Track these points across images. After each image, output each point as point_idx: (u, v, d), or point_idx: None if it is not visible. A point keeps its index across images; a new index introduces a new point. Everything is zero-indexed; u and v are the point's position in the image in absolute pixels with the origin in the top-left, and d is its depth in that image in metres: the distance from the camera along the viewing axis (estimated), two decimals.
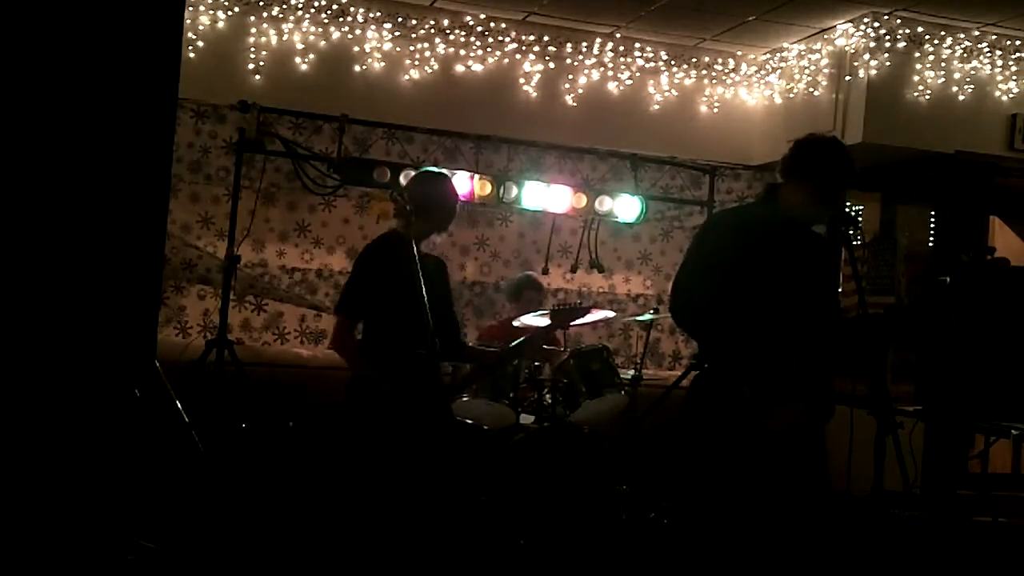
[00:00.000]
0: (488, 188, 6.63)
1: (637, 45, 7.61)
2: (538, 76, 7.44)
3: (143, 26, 2.25)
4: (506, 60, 7.37)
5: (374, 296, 4.01)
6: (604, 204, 6.91)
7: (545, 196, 6.80)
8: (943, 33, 6.99)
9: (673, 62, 7.71)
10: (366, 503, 4.07)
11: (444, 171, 4.83)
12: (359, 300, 4.06)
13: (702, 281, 3.62)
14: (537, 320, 5.53)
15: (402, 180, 6.25)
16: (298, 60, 6.97)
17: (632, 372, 6.09)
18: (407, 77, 7.18)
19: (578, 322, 5.79)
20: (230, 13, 6.86)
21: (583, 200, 6.87)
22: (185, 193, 6.82)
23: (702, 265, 3.66)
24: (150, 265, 2.31)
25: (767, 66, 7.76)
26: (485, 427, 5.61)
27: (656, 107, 7.72)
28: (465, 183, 6.57)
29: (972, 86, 7.06)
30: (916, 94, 6.96)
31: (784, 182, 3.70)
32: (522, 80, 7.41)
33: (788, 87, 7.57)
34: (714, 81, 7.85)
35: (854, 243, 3.64)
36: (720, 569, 3.64)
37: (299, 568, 4.46)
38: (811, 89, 7.32)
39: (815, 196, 3.60)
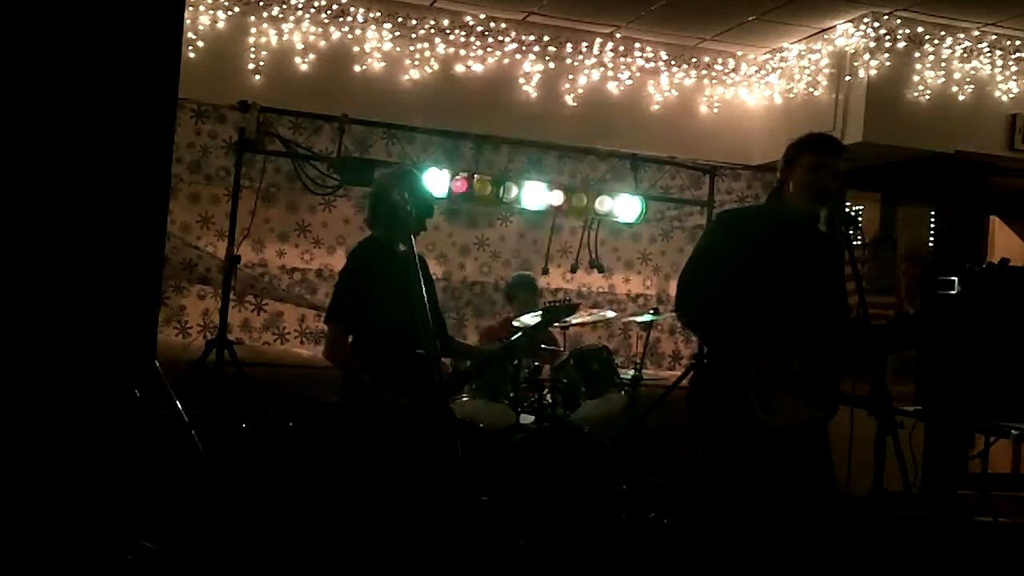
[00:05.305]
0: (488, 188, 6.62)
1: (637, 45, 7.60)
2: (538, 76, 7.44)
3: (143, 26, 2.24)
4: (506, 60, 7.37)
5: (368, 301, 3.97)
6: (604, 204, 6.91)
7: (545, 196, 6.79)
8: (943, 33, 6.98)
9: (673, 62, 7.71)
10: (365, 503, 4.07)
11: (414, 166, 4.83)
12: (352, 307, 4.02)
13: (707, 279, 3.63)
14: (534, 320, 5.53)
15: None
16: (298, 60, 6.97)
17: (632, 372, 6.09)
18: (407, 77, 7.18)
19: (577, 321, 5.80)
20: (230, 13, 6.86)
21: (583, 200, 6.87)
22: (185, 193, 6.82)
23: (707, 263, 3.67)
24: (150, 265, 2.30)
25: (767, 66, 7.76)
26: (485, 427, 5.61)
27: (656, 107, 7.72)
28: (465, 183, 6.57)
29: (972, 86, 7.06)
30: (916, 94, 6.96)
31: (782, 180, 3.72)
32: (522, 80, 7.41)
33: (788, 87, 7.57)
34: (714, 81, 7.85)
35: (854, 243, 3.64)
36: (721, 569, 3.64)
37: (299, 568, 4.45)
38: (811, 89, 7.32)
39: (807, 184, 3.61)
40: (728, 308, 3.55)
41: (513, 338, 4.33)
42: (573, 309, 5.16)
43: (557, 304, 5.50)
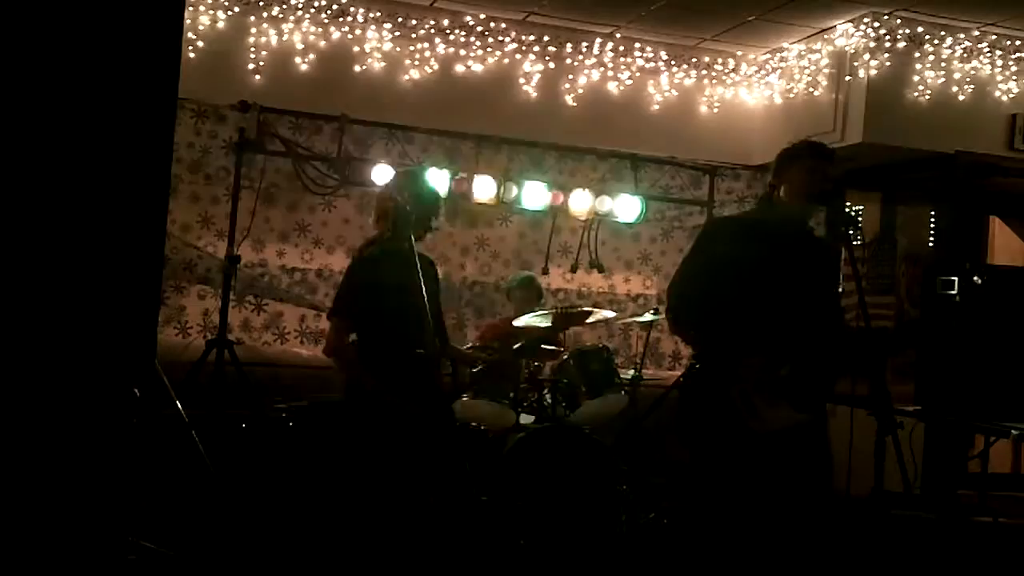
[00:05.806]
0: (488, 188, 6.62)
1: (637, 45, 7.60)
2: (538, 76, 7.44)
3: (143, 26, 2.25)
4: (506, 60, 7.36)
5: (371, 301, 3.98)
6: (604, 204, 6.91)
7: (545, 196, 6.79)
8: (943, 33, 6.98)
9: (673, 62, 7.71)
10: (366, 503, 4.07)
11: (420, 167, 4.86)
12: (354, 305, 4.03)
13: (697, 286, 3.63)
14: (536, 320, 5.53)
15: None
16: (298, 60, 6.97)
17: (632, 372, 6.09)
18: (407, 77, 7.17)
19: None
20: (230, 13, 6.86)
21: (583, 200, 6.87)
22: (185, 193, 6.82)
23: (698, 270, 3.68)
24: (150, 265, 2.30)
25: (767, 66, 7.76)
26: (485, 427, 5.62)
27: (656, 107, 7.72)
28: (465, 183, 6.57)
29: (972, 86, 7.06)
30: (916, 94, 6.96)
31: (773, 185, 3.73)
32: (522, 80, 7.41)
33: (788, 87, 7.57)
34: (714, 81, 7.85)
35: (854, 243, 3.64)
36: (718, 570, 3.64)
37: (299, 568, 4.45)
38: (811, 89, 7.32)
39: (804, 187, 3.62)
40: (718, 314, 3.55)
41: (513, 347, 4.34)
42: (583, 316, 5.17)
43: (565, 311, 5.49)
